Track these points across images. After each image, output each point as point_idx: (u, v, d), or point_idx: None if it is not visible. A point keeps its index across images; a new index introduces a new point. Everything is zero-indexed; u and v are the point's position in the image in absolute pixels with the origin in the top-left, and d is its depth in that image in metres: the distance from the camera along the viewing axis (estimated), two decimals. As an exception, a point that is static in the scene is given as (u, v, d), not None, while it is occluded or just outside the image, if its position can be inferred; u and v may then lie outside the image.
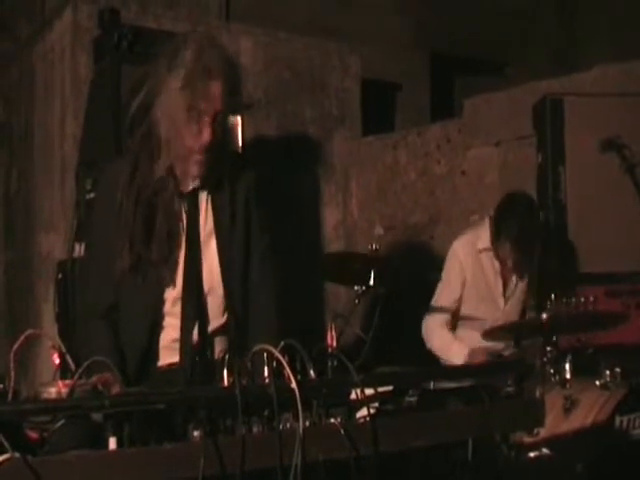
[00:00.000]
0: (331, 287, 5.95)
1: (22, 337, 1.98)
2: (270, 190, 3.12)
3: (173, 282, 2.73)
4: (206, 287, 2.78)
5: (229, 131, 2.87)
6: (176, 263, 2.73)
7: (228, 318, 2.82)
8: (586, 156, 4.68)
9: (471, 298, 4.36)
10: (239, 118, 4.69)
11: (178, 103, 2.61)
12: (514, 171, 5.29)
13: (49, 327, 4.70)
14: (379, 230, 6.23)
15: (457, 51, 8.54)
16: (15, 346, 1.95)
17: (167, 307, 2.76)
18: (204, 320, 2.77)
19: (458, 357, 4.16)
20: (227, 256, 2.81)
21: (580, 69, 5.61)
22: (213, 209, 2.81)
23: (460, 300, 4.36)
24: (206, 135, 2.63)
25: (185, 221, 2.77)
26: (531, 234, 4.17)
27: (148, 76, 2.71)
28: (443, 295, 4.38)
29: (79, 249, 4.21)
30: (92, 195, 4.05)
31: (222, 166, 2.79)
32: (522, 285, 4.42)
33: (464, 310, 4.38)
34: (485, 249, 4.31)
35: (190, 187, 2.78)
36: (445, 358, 4.28)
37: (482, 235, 4.33)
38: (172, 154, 2.70)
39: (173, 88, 2.61)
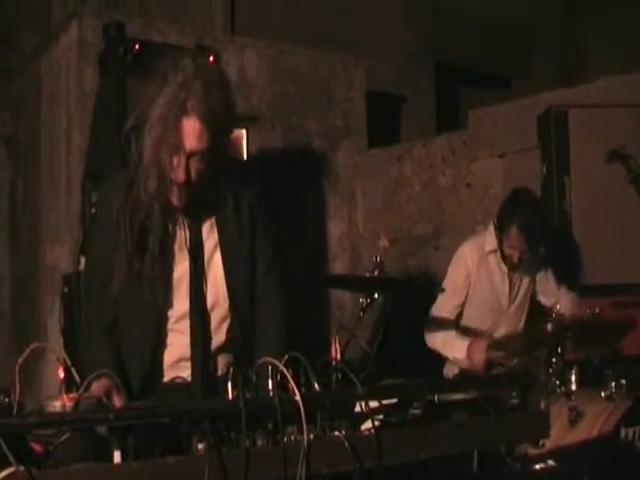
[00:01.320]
0: (336, 299, 5.95)
1: (27, 350, 1.98)
2: (275, 202, 3.11)
3: (176, 299, 2.71)
4: (210, 302, 2.75)
5: (221, 159, 2.69)
6: (179, 279, 2.71)
7: (233, 333, 2.79)
8: (591, 167, 4.67)
9: (474, 301, 4.37)
10: (244, 131, 4.71)
11: (155, 134, 2.54)
12: (519, 183, 5.27)
13: (55, 340, 4.70)
14: (384, 242, 6.23)
15: (462, 63, 8.56)
16: (20, 359, 1.95)
17: (170, 324, 2.73)
18: (207, 336, 2.74)
19: (460, 351, 4.17)
20: (233, 270, 2.77)
21: (585, 80, 5.61)
22: (217, 222, 2.78)
23: (464, 304, 4.37)
24: (178, 173, 2.56)
25: (188, 236, 2.72)
26: (537, 219, 4.19)
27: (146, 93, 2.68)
28: (448, 299, 4.37)
29: (85, 262, 4.22)
30: (97, 209, 4.06)
31: (208, 198, 2.71)
32: (525, 285, 4.42)
33: (467, 313, 4.38)
34: (492, 251, 4.32)
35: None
36: (446, 353, 4.28)
37: (488, 238, 4.35)
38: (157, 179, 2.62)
39: (152, 118, 2.54)
